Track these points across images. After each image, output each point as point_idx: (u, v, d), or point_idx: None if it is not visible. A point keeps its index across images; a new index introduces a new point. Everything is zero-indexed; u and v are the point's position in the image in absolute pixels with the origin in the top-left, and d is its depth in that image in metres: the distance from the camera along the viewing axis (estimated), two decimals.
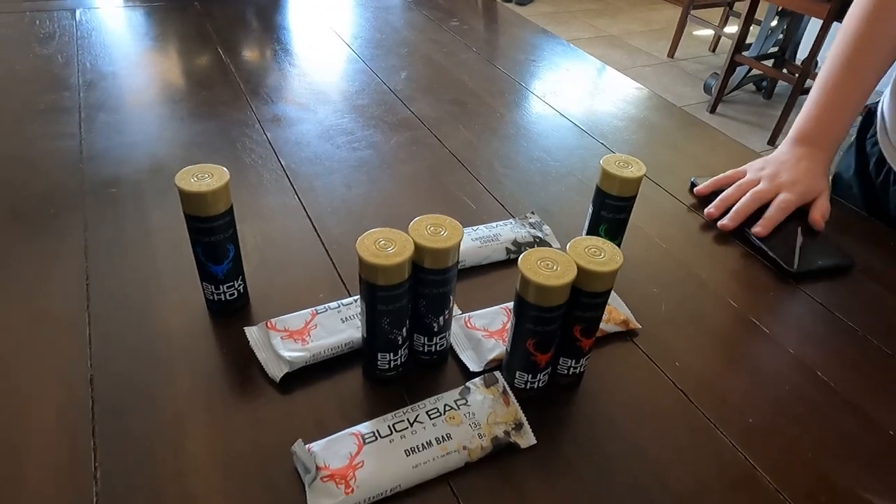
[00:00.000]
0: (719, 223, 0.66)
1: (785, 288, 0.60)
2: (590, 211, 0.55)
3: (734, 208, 0.66)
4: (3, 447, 0.40)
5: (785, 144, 0.72)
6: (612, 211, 0.53)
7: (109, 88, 0.86)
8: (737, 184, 0.69)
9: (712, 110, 2.89)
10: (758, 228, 0.64)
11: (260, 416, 0.44)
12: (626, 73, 1.05)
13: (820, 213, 0.66)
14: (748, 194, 0.67)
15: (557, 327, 0.42)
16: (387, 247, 0.40)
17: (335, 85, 0.93)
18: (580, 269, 0.40)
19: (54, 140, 0.73)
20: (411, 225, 0.42)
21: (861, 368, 0.52)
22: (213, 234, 0.46)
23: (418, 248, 0.41)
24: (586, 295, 0.41)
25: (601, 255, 0.41)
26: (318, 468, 0.39)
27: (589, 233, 0.56)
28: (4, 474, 0.39)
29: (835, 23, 2.38)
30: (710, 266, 0.62)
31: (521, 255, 0.40)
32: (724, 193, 0.68)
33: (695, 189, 0.70)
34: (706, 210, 0.68)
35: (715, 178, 0.71)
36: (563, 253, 0.41)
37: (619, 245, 0.55)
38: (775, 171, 0.69)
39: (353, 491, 0.38)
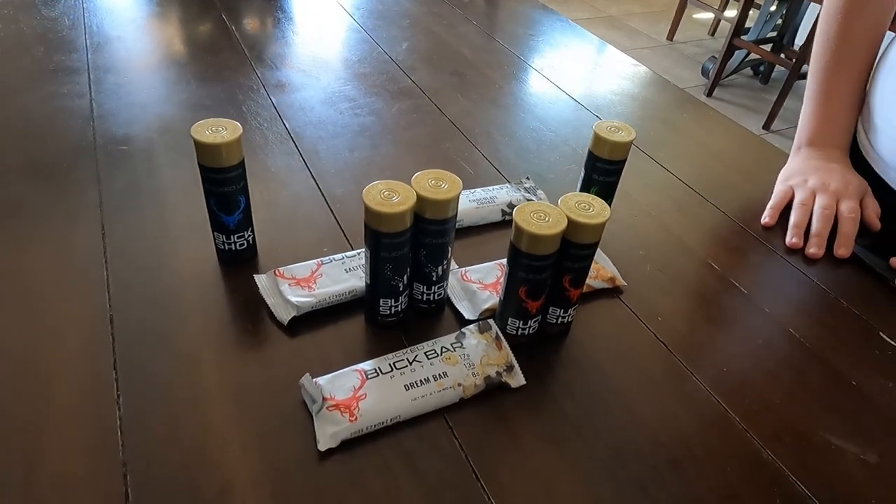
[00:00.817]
0: (807, 253, 0.63)
1: (764, 253, 0.63)
2: (582, 174, 0.58)
3: (813, 234, 0.64)
4: (35, 373, 0.43)
5: (801, 150, 0.72)
6: (602, 174, 0.56)
7: (116, 51, 0.87)
8: (799, 206, 0.67)
9: (709, 93, 2.91)
10: (841, 251, 0.63)
11: (269, 355, 0.47)
12: (625, 56, 1.07)
13: (874, 212, 0.66)
14: (818, 215, 0.65)
15: (548, 276, 0.45)
16: (391, 196, 0.43)
17: (338, 53, 0.94)
18: (570, 221, 0.43)
19: (65, 99, 0.75)
20: (414, 178, 0.45)
21: (830, 327, 0.55)
22: (225, 184, 0.49)
23: (420, 199, 0.44)
24: (575, 246, 0.44)
25: (590, 209, 0.44)
26: (324, 399, 0.42)
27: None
28: (36, 396, 0.42)
29: None
30: (697, 233, 0.65)
31: (516, 208, 0.43)
32: (793, 221, 0.66)
33: (763, 223, 0.67)
34: (788, 242, 0.64)
35: (771, 205, 0.68)
36: (555, 206, 0.44)
37: None
38: (821, 180, 0.68)
39: (356, 419, 0.41)
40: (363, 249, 0.55)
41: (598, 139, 0.55)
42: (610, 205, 0.59)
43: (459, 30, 1.07)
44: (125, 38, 0.92)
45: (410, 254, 0.46)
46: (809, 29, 2.50)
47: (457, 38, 1.04)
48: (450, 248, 0.48)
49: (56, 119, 0.72)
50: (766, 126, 2.71)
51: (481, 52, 1.01)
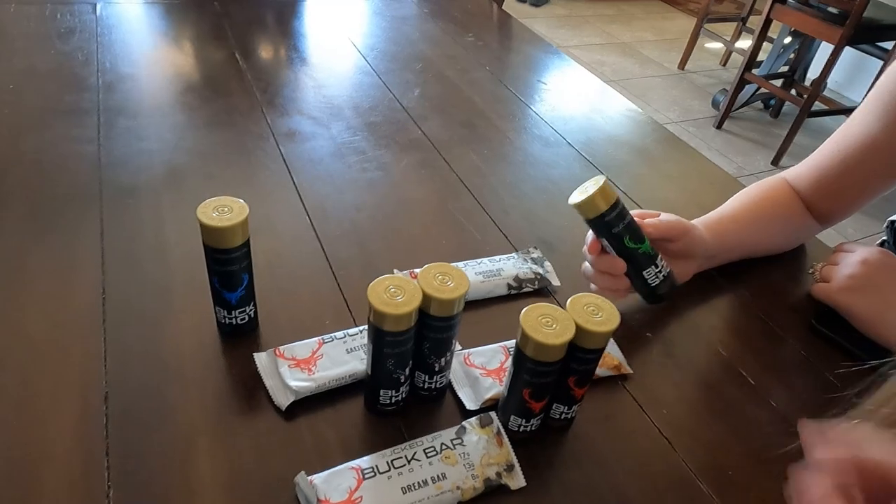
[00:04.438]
0: None
1: (771, 338, 0.62)
2: (602, 242, 0.57)
3: None
4: (22, 460, 0.43)
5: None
6: (610, 227, 0.55)
7: (128, 91, 0.87)
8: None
9: (719, 126, 2.91)
10: None
11: (265, 442, 0.46)
12: (636, 83, 1.07)
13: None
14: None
15: (553, 380, 0.44)
16: (396, 294, 0.42)
17: (349, 99, 0.94)
18: (578, 328, 0.42)
19: (73, 144, 0.75)
20: (420, 273, 0.44)
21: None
22: (229, 264, 0.49)
23: (426, 297, 0.43)
24: (582, 351, 0.43)
25: (599, 314, 0.43)
26: (319, 501, 0.41)
27: (621, 255, 0.56)
28: (23, 486, 0.41)
29: (843, 49, 2.39)
30: (705, 313, 0.64)
31: (523, 311, 0.42)
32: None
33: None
34: None
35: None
36: (563, 311, 0.43)
37: (651, 247, 0.57)
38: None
39: None
40: (365, 328, 0.54)
41: (582, 204, 0.54)
42: (649, 243, 0.57)
43: (472, 75, 1.07)
44: (137, 76, 0.92)
45: (414, 347, 0.46)
46: (823, 66, 2.50)
47: (469, 85, 1.04)
48: (454, 341, 0.47)
49: (64, 165, 0.71)
50: (775, 162, 2.70)
51: (493, 100, 1.00)
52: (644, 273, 0.56)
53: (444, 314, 0.44)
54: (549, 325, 0.42)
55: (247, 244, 0.49)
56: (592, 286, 0.59)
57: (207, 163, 0.76)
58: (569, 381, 0.46)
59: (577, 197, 0.54)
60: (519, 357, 0.43)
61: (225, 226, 0.46)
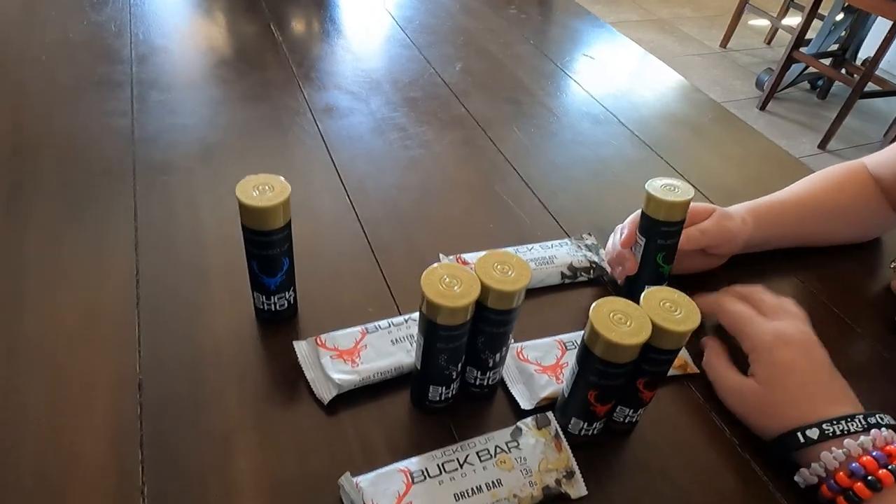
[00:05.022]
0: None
1: (847, 335, 0.57)
2: (640, 241, 0.52)
3: None
4: (55, 451, 0.40)
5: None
6: (666, 237, 0.51)
7: (161, 64, 0.84)
8: None
9: (763, 107, 2.79)
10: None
11: (307, 439, 0.43)
12: (675, 62, 1.01)
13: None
14: None
15: (623, 382, 0.40)
16: (453, 285, 0.38)
17: (388, 73, 0.90)
18: (655, 327, 0.38)
19: (107, 117, 0.72)
20: (478, 262, 0.40)
21: None
22: (269, 247, 0.45)
23: (484, 288, 0.39)
24: (657, 351, 0.39)
25: (677, 311, 0.39)
26: None
27: (643, 262, 0.53)
28: (57, 477, 0.39)
29: None
30: None
31: (594, 305, 0.38)
32: None
33: None
34: None
35: None
36: (637, 307, 0.39)
37: (670, 271, 0.53)
38: None
39: None
40: (410, 317, 0.51)
41: (654, 201, 0.49)
42: (671, 267, 0.53)
43: (515, 49, 1.02)
44: (170, 48, 0.89)
45: (467, 342, 0.42)
46: (879, 44, 2.36)
47: (512, 60, 0.98)
48: (511, 336, 0.43)
49: (97, 140, 0.69)
50: (822, 145, 2.58)
51: (538, 76, 0.95)
52: (645, 284, 0.50)
53: (503, 307, 0.40)
54: (622, 323, 0.37)
55: (288, 226, 0.46)
56: (608, 262, 0.58)
57: (243, 139, 0.73)
58: (638, 383, 0.41)
59: (660, 191, 0.49)
60: (586, 356, 0.39)
61: (266, 206, 0.43)
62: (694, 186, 0.73)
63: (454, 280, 0.39)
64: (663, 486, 0.43)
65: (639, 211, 0.53)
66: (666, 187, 0.49)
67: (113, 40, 0.88)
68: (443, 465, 0.41)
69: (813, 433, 0.42)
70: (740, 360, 0.49)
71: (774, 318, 0.49)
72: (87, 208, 0.60)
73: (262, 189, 0.44)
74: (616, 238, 0.56)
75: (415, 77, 0.90)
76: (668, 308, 0.39)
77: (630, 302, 0.39)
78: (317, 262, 0.57)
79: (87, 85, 0.77)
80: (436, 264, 0.40)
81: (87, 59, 0.82)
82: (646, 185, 0.49)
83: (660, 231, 0.50)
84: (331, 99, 0.82)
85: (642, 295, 0.40)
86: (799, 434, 0.42)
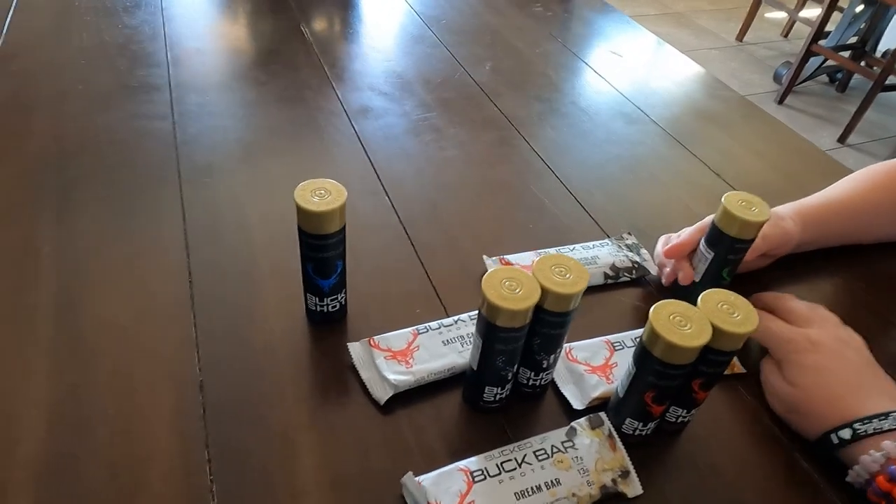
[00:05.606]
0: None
1: (886, 332, 0.57)
2: (707, 254, 0.52)
3: None
4: (125, 453, 0.42)
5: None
6: (736, 253, 0.51)
7: (196, 66, 0.85)
8: None
9: (781, 101, 2.76)
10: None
11: (365, 438, 0.44)
12: (692, 56, 1.00)
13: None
14: None
15: (680, 384, 0.41)
16: (514, 288, 0.39)
17: (419, 73, 0.90)
18: (714, 329, 0.38)
19: (148, 121, 0.73)
20: (536, 265, 0.41)
21: None
22: (325, 250, 0.46)
23: (543, 291, 0.40)
24: (715, 353, 0.40)
25: (735, 313, 0.39)
26: None
27: (707, 273, 0.53)
28: (129, 480, 0.40)
29: None
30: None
31: (654, 307, 0.39)
32: None
33: None
34: None
35: None
36: (696, 309, 0.39)
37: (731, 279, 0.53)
38: None
39: None
40: (459, 318, 0.52)
41: (728, 216, 0.49)
42: (732, 278, 0.54)
43: (543, 48, 1.02)
44: (204, 50, 0.90)
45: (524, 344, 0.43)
46: None
47: (541, 58, 0.99)
48: (565, 338, 0.44)
49: (139, 143, 0.70)
50: (842, 139, 2.55)
51: (567, 74, 0.95)
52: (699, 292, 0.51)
53: (561, 309, 0.41)
54: (682, 326, 0.38)
55: (343, 229, 0.46)
56: (658, 263, 0.59)
57: (281, 140, 0.74)
58: (693, 384, 0.42)
59: (736, 207, 0.49)
60: (644, 357, 0.40)
61: (324, 210, 0.43)
62: (731, 187, 0.73)
63: (514, 283, 0.39)
64: (715, 483, 0.44)
65: (701, 222, 0.54)
66: (743, 204, 0.49)
67: (148, 44, 0.89)
68: (501, 464, 0.42)
69: (845, 433, 0.42)
70: None
71: (805, 325, 0.49)
72: (135, 211, 0.61)
73: (320, 194, 0.44)
74: (662, 246, 0.57)
75: (446, 77, 0.90)
76: (727, 310, 0.39)
77: (689, 305, 0.39)
78: (362, 262, 0.57)
79: (126, 89, 0.79)
80: (496, 268, 0.40)
81: (125, 64, 0.84)
82: (722, 199, 0.50)
83: (731, 247, 0.51)
84: (365, 100, 0.82)
85: (700, 297, 0.40)
86: (833, 435, 0.43)
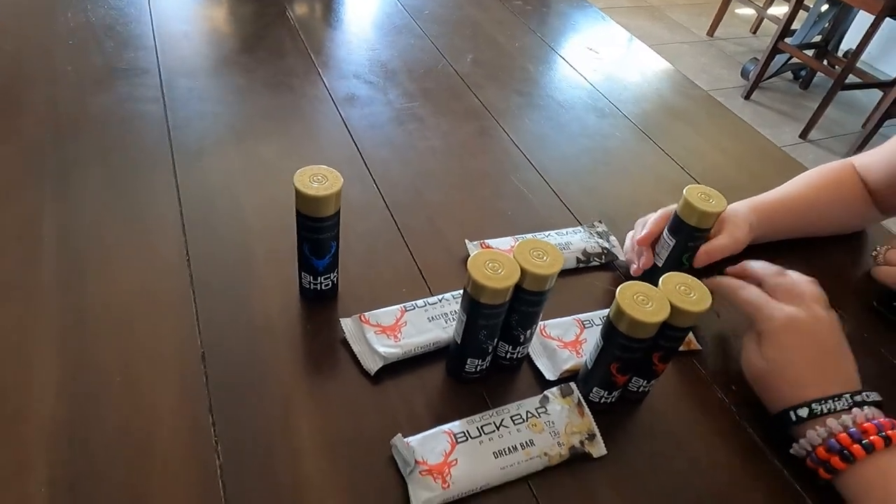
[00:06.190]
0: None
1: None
2: (670, 241, 0.58)
3: None
4: (134, 419, 0.45)
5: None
6: (695, 240, 0.56)
7: (184, 50, 0.87)
8: None
9: (747, 96, 2.86)
10: None
11: (357, 404, 0.48)
12: (664, 49, 1.06)
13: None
14: None
15: (642, 356, 0.46)
16: (497, 269, 0.43)
17: (403, 63, 0.93)
18: (672, 307, 0.43)
19: (140, 103, 0.75)
20: (516, 247, 0.45)
21: None
22: (322, 232, 0.50)
23: (522, 271, 0.44)
24: (672, 329, 0.45)
25: (692, 294, 0.44)
26: (416, 462, 0.43)
27: (669, 259, 0.59)
28: (137, 446, 0.43)
29: (887, 20, 2.33)
30: None
31: (619, 288, 0.44)
32: None
33: None
34: None
35: None
36: (657, 290, 0.44)
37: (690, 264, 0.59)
38: None
39: (448, 486, 0.43)
40: (443, 297, 0.56)
41: (689, 207, 0.54)
42: (690, 264, 0.59)
43: (522, 41, 1.06)
44: (192, 34, 0.91)
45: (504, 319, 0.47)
46: (861, 37, 2.44)
47: (520, 52, 1.03)
48: (541, 315, 0.48)
49: (132, 125, 0.72)
50: (804, 135, 2.66)
51: (545, 68, 0.99)
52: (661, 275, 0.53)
53: (538, 288, 0.45)
54: (645, 304, 0.43)
55: (338, 213, 0.50)
56: (626, 259, 0.64)
57: (270, 126, 0.77)
58: (654, 357, 0.47)
59: (696, 199, 0.54)
60: (611, 332, 0.44)
61: (322, 195, 0.47)
62: (693, 179, 0.79)
63: (497, 264, 0.44)
64: (672, 448, 0.49)
65: (660, 212, 0.59)
66: (702, 196, 0.54)
67: (134, 25, 0.90)
68: (482, 427, 0.46)
69: (803, 412, 0.47)
70: None
71: (788, 302, 0.53)
72: (132, 191, 0.63)
73: (318, 179, 0.48)
74: (636, 233, 0.62)
75: (428, 68, 0.93)
76: (684, 291, 0.44)
77: (651, 286, 0.44)
78: (352, 244, 0.61)
79: (115, 71, 0.80)
80: (480, 251, 0.45)
81: (113, 45, 0.85)
82: (684, 191, 0.55)
83: (691, 235, 0.56)
84: (350, 88, 0.85)
85: (661, 279, 0.45)
86: (791, 413, 0.48)
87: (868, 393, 0.48)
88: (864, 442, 0.44)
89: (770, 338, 0.51)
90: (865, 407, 0.46)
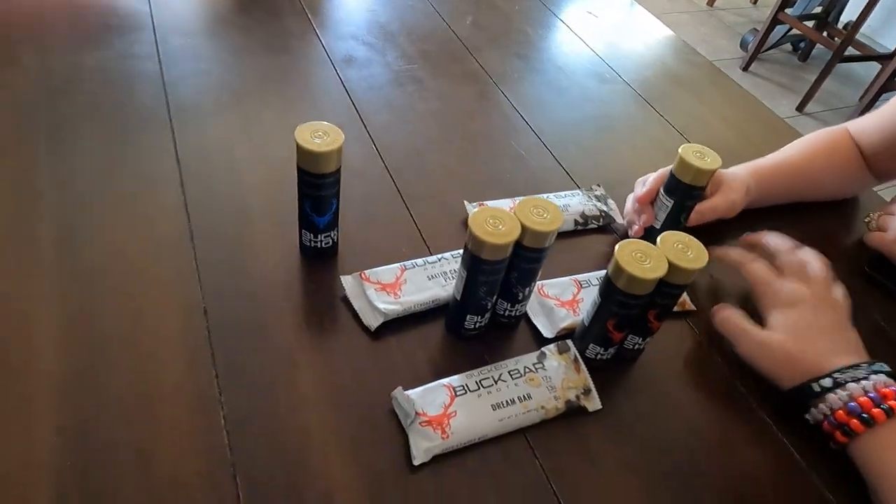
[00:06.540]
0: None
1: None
2: (667, 202, 0.58)
3: None
4: (140, 369, 0.45)
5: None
6: (692, 199, 0.57)
7: (179, 7, 0.85)
8: None
9: (746, 68, 2.84)
10: None
11: (358, 359, 0.49)
12: (664, 19, 1.04)
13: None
14: None
15: (638, 312, 0.46)
16: (497, 225, 0.44)
17: (402, 25, 0.92)
18: (670, 264, 0.44)
19: (134, 60, 0.74)
20: (518, 205, 0.45)
21: None
22: (323, 189, 0.50)
23: (523, 228, 0.44)
24: (669, 286, 0.45)
25: (689, 252, 0.45)
26: (416, 413, 0.44)
27: (667, 218, 0.59)
28: (144, 394, 0.44)
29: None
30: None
31: (618, 246, 0.44)
32: None
33: None
34: None
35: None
36: (655, 247, 0.45)
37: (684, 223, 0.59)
38: None
39: (448, 437, 0.44)
40: (442, 256, 0.56)
41: (684, 164, 0.55)
42: (686, 223, 0.60)
43: (522, 4, 1.04)
44: None
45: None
46: (861, 9, 2.41)
47: (520, 15, 1.01)
48: (539, 273, 0.49)
49: (128, 82, 0.71)
50: (801, 108, 2.65)
51: (545, 32, 0.98)
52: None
53: (538, 245, 0.45)
54: (643, 261, 0.43)
55: (339, 170, 0.50)
56: (627, 221, 0.64)
57: (267, 86, 0.76)
58: (650, 315, 0.48)
59: (692, 157, 0.54)
60: (609, 289, 0.45)
61: (323, 151, 0.47)
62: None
63: (498, 220, 0.44)
64: (665, 404, 0.51)
65: (659, 171, 0.59)
66: (697, 154, 0.54)
67: None
68: (480, 381, 0.47)
69: (827, 382, 0.47)
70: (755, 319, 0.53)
71: (793, 279, 0.53)
72: (129, 147, 0.63)
73: (319, 135, 0.48)
74: (636, 192, 0.62)
75: (428, 31, 0.92)
76: (681, 249, 0.45)
77: (649, 244, 0.45)
78: (352, 204, 0.61)
79: (109, 27, 0.79)
80: (482, 208, 0.45)
81: (105, 1, 0.83)
82: (679, 150, 0.55)
83: (687, 193, 0.56)
84: (349, 49, 0.84)
85: (659, 237, 0.46)
86: (814, 384, 0.48)
87: (882, 364, 0.48)
88: (883, 406, 0.45)
89: (776, 313, 0.52)
90: (882, 375, 0.47)
